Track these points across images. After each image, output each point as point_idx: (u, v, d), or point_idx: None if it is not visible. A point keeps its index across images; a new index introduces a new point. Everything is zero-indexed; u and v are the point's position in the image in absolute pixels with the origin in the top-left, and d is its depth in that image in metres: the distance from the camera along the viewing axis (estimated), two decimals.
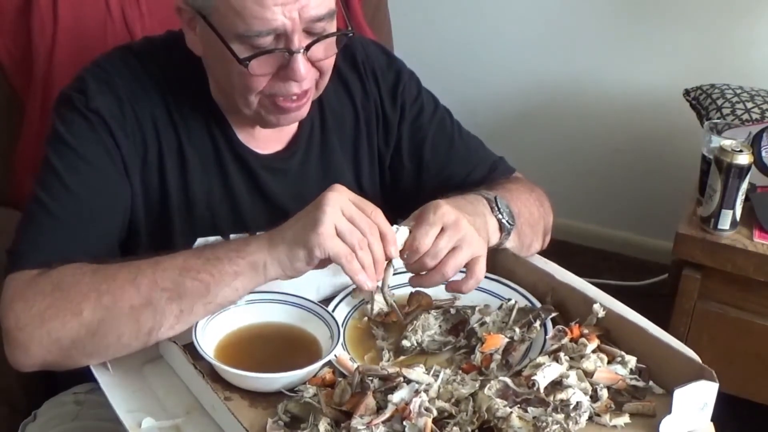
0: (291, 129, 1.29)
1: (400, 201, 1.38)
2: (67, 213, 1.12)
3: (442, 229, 1.10)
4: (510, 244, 1.24)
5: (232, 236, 1.24)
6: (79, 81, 1.18)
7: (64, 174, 1.13)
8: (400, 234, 1.08)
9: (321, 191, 1.04)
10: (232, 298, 1.05)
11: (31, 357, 1.04)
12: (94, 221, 1.14)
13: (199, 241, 1.22)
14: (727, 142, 1.70)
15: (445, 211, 1.10)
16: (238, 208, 1.26)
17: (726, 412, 1.03)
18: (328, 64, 1.17)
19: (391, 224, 1.08)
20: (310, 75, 1.14)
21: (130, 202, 1.19)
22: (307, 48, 1.10)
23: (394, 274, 1.13)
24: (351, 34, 1.17)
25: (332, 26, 1.13)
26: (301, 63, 1.10)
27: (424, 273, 1.12)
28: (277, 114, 1.18)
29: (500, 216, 1.21)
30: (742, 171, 1.67)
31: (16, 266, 1.09)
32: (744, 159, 1.67)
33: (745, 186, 1.69)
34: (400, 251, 1.09)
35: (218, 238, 1.23)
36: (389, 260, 1.08)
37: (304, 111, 1.20)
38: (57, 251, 1.09)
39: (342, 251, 1.01)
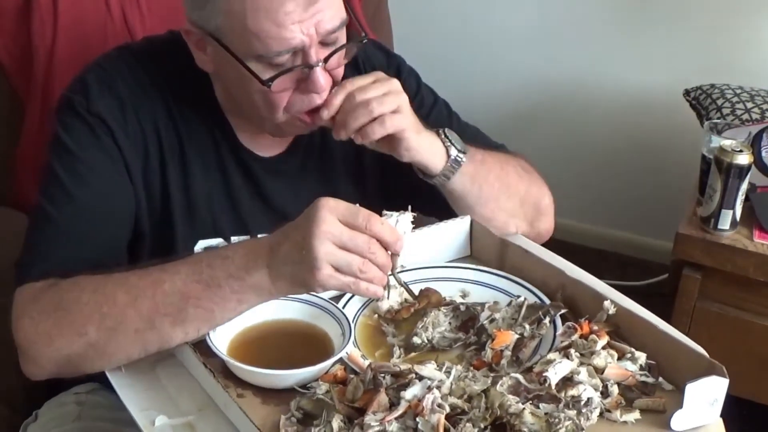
0: None
1: (404, 196, 1.38)
2: (70, 222, 1.11)
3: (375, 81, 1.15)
4: (467, 186, 1.25)
5: (233, 239, 1.23)
6: (80, 83, 1.17)
7: (67, 182, 1.12)
8: (403, 220, 1.07)
9: (321, 194, 1.01)
10: (237, 316, 1.05)
11: (43, 370, 1.05)
12: (99, 228, 1.13)
13: (200, 243, 1.22)
14: (727, 142, 1.71)
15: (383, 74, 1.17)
16: (239, 210, 1.25)
17: (728, 412, 1.03)
18: (342, 70, 1.18)
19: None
20: (328, 85, 1.14)
21: (135, 205, 1.19)
22: (326, 60, 1.11)
23: (402, 271, 1.14)
24: (365, 41, 1.18)
25: (343, 34, 1.14)
26: (320, 75, 1.10)
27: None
28: (301, 126, 1.18)
29: (448, 144, 1.22)
30: (742, 171, 1.68)
31: (22, 279, 1.08)
32: (744, 159, 1.67)
33: (745, 186, 1.70)
34: None
35: (220, 240, 1.23)
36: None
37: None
38: (62, 261, 1.08)
39: (345, 284, 1.00)
